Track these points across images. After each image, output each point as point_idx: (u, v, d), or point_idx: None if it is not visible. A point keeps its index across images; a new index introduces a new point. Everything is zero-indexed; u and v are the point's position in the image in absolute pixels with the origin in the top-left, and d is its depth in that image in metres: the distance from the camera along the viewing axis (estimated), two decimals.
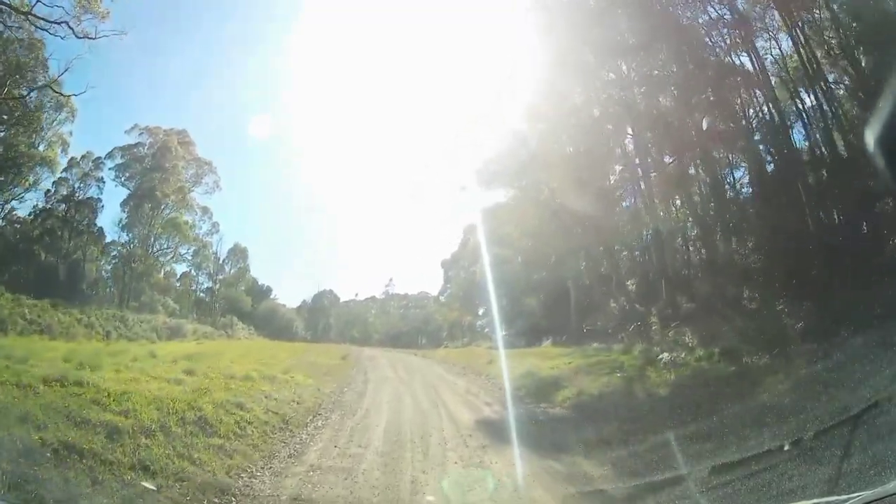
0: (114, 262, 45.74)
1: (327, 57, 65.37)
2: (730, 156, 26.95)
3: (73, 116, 38.25)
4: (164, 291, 47.23)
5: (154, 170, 45.97)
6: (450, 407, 12.55)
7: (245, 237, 78.62)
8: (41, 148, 38.21)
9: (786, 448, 6.21)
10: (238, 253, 55.69)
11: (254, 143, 71.95)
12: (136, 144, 47.48)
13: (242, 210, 75.88)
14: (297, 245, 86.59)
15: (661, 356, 15.31)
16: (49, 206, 44.47)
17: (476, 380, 18.54)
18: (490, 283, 40.20)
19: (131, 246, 43.86)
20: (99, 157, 46.27)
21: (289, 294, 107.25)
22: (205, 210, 52.12)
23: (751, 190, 26.17)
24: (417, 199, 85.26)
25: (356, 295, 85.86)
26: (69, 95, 30.58)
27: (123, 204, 44.71)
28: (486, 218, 50.25)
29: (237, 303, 55.40)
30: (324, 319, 76.20)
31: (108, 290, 45.63)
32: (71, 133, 39.70)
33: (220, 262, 55.28)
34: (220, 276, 55.90)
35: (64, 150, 39.89)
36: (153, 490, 5.90)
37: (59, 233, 44.53)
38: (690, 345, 17.42)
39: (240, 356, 19.33)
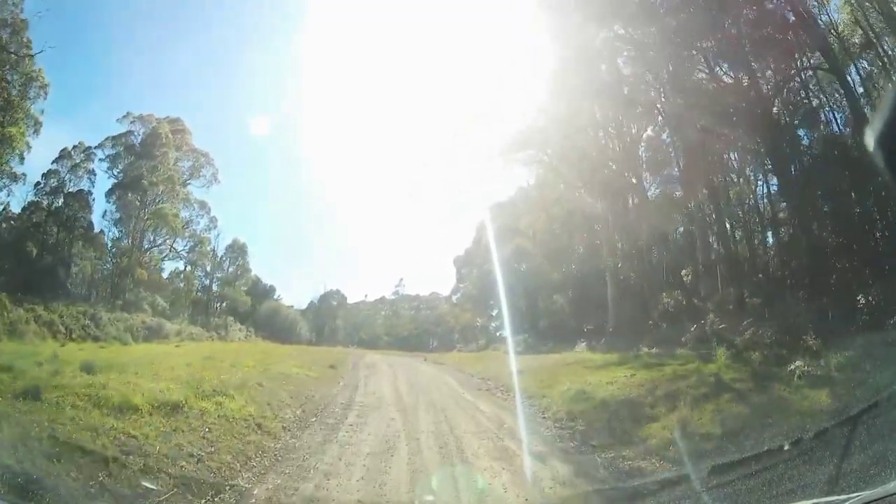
0: (96, 257, 41.02)
1: (333, 51, 60.62)
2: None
3: (44, 93, 33.64)
4: (155, 289, 42.44)
5: (142, 157, 41.30)
6: (477, 462, 7.28)
7: (249, 236, 73.94)
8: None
9: None
10: (237, 249, 50.74)
11: (258, 140, 67.29)
12: (127, 133, 42.87)
13: (247, 209, 71.20)
14: (304, 245, 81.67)
15: (794, 366, 9.72)
16: (38, 199, 40.15)
17: (505, 401, 12.98)
18: (499, 280, 34.86)
19: (119, 240, 39.15)
20: (89, 147, 41.81)
21: (296, 296, 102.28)
22: (202, 204, 47.22)
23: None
24: (428, 196, 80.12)
25: (365, 296, 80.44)
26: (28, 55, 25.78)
27: (108, 194, 40.07)
28: (502, 211, 44.95)
29: (236, 302, 50.49)
30: (330, 321, 71.09)
31: (99, 287, 41.02)
32: (43, 112, 35.12)
33: (219, 259, 50.64)
34: (219, 275, 51.21)
35: (36, 131, 35.34)
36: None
37: (45, 227, 40.07)
38: (813, 347, 11.83)
39: (188, 363, 14.19)
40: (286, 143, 71.35)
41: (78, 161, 41.36)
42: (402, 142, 74.17)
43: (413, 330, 75.50)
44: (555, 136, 27.48)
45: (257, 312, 56.84)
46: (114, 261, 36.92)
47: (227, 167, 70.79)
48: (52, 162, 40.24)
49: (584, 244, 35.79)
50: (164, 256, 46.43)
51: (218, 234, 48.58)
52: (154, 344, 29.34)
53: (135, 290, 38.55)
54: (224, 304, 48.19)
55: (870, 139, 1.94)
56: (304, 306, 70.97)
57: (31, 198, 39.10)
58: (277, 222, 76.20)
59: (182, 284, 45.19)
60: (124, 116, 42.96)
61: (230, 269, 51.26)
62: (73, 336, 27.90)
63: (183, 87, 59.51)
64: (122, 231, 38.57)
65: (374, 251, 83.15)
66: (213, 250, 49.50)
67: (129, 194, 39.45)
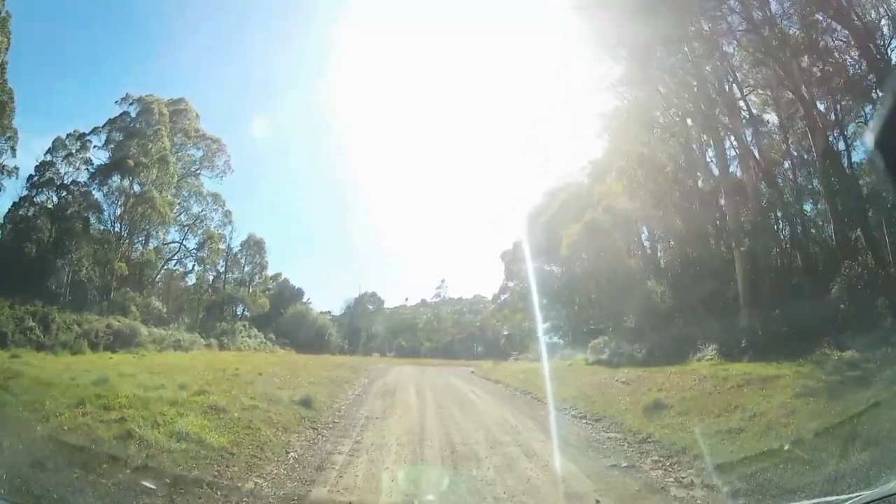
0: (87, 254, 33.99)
1: (368, 42, 53.24)
2: None
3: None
4: (150, 290, 35.23)
5: (132, 136, 34.25)
6: None
7: (278, 237, 66.50)
8: None
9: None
10: (253, 246, 42.97)
11: (286, 135, 60.39)
12: (123, 115, 36.03)
13: (275, 208, 64.20)
14: (338, 247, 73.83)
15: None
16: (29, 193, 33.69)
17: None
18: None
19: (105, 230, 31.92)
20: (84, 134, 35.18)
21: (330, 302, 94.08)
22: (216, 197, 40.01)
23: None
24: (472, 189, 71.04)
25: (406, 300, 71.73)
26: None
27: (91, 179, 33.10)
28: (566, 189, 35.23)
29: (254, 306, 42.80)
30: (366, 327, 62.63)
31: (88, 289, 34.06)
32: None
33: (235, 256, 43.13)
34: (237, 275, 43.72)
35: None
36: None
37: (34, 222, 33.52)
38: None
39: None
40: (316, 137, 64.22)
41: (73, 150, 34.90)
42: (443, 129, 65.53)
43: (456, 335, 66.17)
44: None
45: (281, 318, 49.09)
46: (94, 256, 29.61)
47: (252, 163, 64.24)
48: (46, 152, 33.84)
49: (685, 215, 25.48)
50: (172, 256, 39.48)
51: (232, 231, 41.27)
52: (117, 355, 21.38)
53: (121, 290, 31.19)
54: (240, 309, 40.48)
55: (870, 139, 1.93)
56: (339, 313, 63.44)
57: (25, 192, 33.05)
58: (309, 222, 68.99)
59: (181, 284, 37.92)
60: (123, 98, 36.04)
61: (246, 269, 43.70)
62: (8, 343, 20.38)
63: (198, 73, 53.06)
64: (103, 220, 31.30)
65: (414, 252, 74.05)
66: (228, 248, 42.15)
67: (112, 177, 32.32)
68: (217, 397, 8.71)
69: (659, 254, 25.55)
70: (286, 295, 52.14)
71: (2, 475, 4.44)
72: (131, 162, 32.19)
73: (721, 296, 20.42)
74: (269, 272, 54.17)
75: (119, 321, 25.08)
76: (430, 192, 74.98)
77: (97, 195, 32.20)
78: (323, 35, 55.59)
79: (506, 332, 54.05)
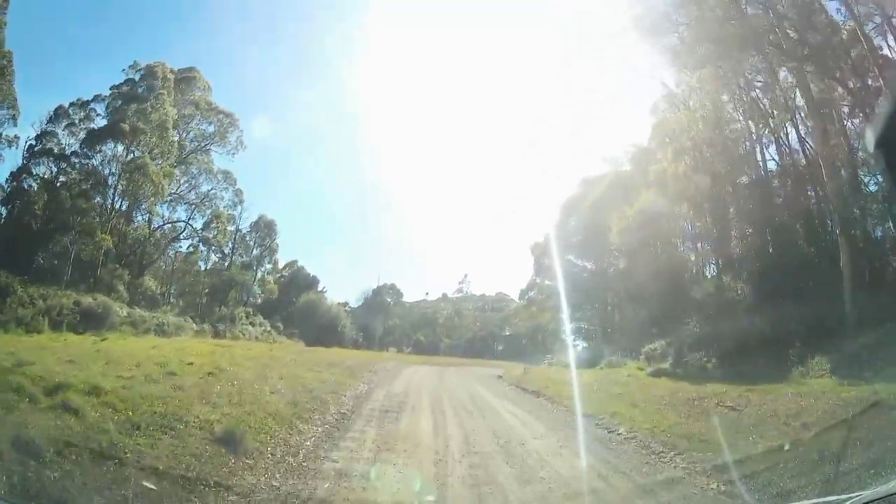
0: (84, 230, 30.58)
1: (406, 28, 49.08)
2: None
3: None
4: (147, 269, 31.83)
5: (131, 101, 30.75)
6: None
7: (295, 226, 62.85)
8: None
9: None
10: (263, 228, 39.24)
11: (309, 122, 56.84)
12: (127, 81, 32.58)
13: (293, 195, 60.85)
14: (358, 238, 70.29)
15: None
16: (27, 163, 30.54)
17: None
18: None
19: (92, 201, 28.48)
20: (87, 102, 31.83)
21: (348, 294, 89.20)
22: (226, 175, 36.44)
23: None
24: (499, 180, 66.35)
25: (426, 294, 67.45)
26: None
27: (83, 145, 29.68)
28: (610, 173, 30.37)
29: (260, 291, 39.19)
30: (383, 320, 58.52)
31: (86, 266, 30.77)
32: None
33: (244, 238, 39.51)
34: (245, 259, 40.08)
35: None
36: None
37: (30, 194, 30.39)
38: None
39: None
40: (340, 125, 60.49)
41: (76, 119, 31.62)
42: (471, 116, 61.00)
43: (477, 332, 61.68)
44: None
45: (293, 306, 45.35)
46: (76, 228, 26.08)
47: (273, 149, 60.85)
48: (48, 122, 30.59)
49: (760, 199, 20.38)
50: (178, 235, 36.01)
51: (242, 211, 37.61)
52: (80, 337, 17.60)
53: (109, 268, 27.69)
54: (244, 294, 36.76)
55: (870, 139, 1.94)
56: (357, 305, 59.59)
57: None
58: (330, 212, 65.29)
59: (186, 266, 34.43)
60: (131, 66, 32.74)
61: (255, 252, 40.01)
62: None
63: (219, 47, 49.80)
64: (96, 191, 27.77)
65: (436, 246, 70.24)
66: (237, 229, 38.53)
67: (106, 143, 28.81)
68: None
69: (732, 243, 20.50)
70: (300, 282, 48.31)
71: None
72: (126, 126, 28.64)
73: (820, 294, 15.52)
74: (285, 260, 50.65)
75: (94, 298, 21.39)
76: (455, 182, 70.66)
77: (93, 164, 28.91)
78: (359, 18, 51.89)
79: (529, 332, 49.42)
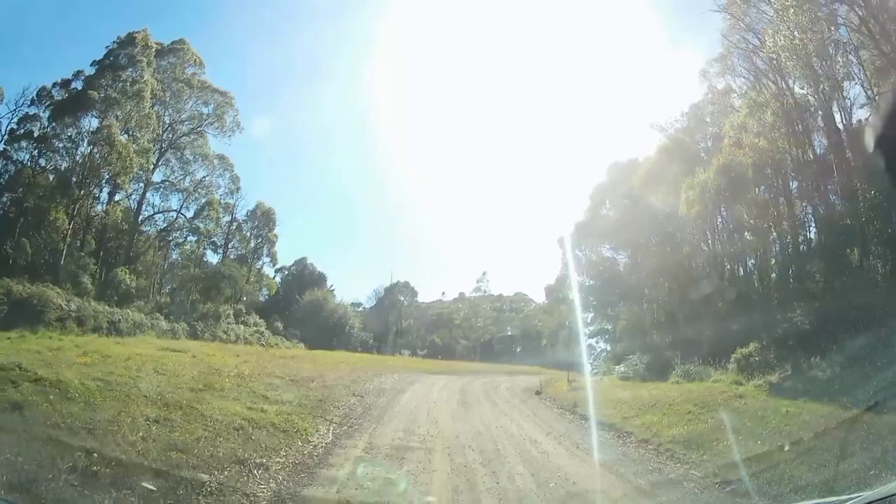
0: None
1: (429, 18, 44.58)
2: None
3: None
4: (133, 261, 27.58)
5: (106, 70, 26.62)
6: None
7: (304, 221, 58.34)
8: None
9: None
10: (260, 217, 34.77)
11: (320, 113, 52.51)
12: (108, 53, 28.40)
13: (302, 190, 56.58)
14: (371, 236, 65.73)
15: None
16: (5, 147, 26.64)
17: None
18: None
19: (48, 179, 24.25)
20: (69, 81, 27.72)
21: (359, 294, 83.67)
22: (222, 159, 32.25)
23: None
24: (520, 174, 61.13)
25: (443, 294, 62.49)
26: None
27: (51, 119, 25.54)
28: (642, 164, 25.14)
29: (256, 287, 34.73)
30: (396, 320, 53.75)
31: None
32: None
33: (239, 228, 35.12)
34: (242, 251, 35.67)
35: None
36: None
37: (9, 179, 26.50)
38: None
39: None
40: (353, 115, 56.19)
41: (59, 98, 27.65)
42: (493, 98, 56.00)
43: (496, 333, 56.56)
44: None
45: (297, 305, 40.84)
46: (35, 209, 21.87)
47: (284, 141, 56.70)
48: (30, 104, 26.58)
49: None
50: (171, 223, 31.77)
51: (238, 199, 33.30)
52: None
53: (76, 257, 23.48)
54: (236, 290, 32.25)
55: (870, 139, 2.82)
56: (370, 305, 54.98)
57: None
58: (343, 209, 60.79)
59: (168, 258, 30.10)
60: (114, 40, 28.77)
61: (252, 244, 35.59)
62: None
63: (224, 25, 45.87)
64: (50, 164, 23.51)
65: (453, 245, 65.28)
66: (233, 219, 34.21)
67: (73, 115, 24.59)
68: None
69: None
70: (306, 279, 43.65)
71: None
72: (95, 94, 24.49)
73: None
74: (293, 257, 46.37)
75: (28, 289, 17.03)
76: (473, 177, 65.73)
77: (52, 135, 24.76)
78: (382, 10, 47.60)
79: (548, 333, 44.15)
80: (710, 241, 19.94)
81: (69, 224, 21.27)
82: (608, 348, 38.16)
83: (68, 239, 22.98)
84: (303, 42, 46.90)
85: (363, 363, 18.23)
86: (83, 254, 23.67)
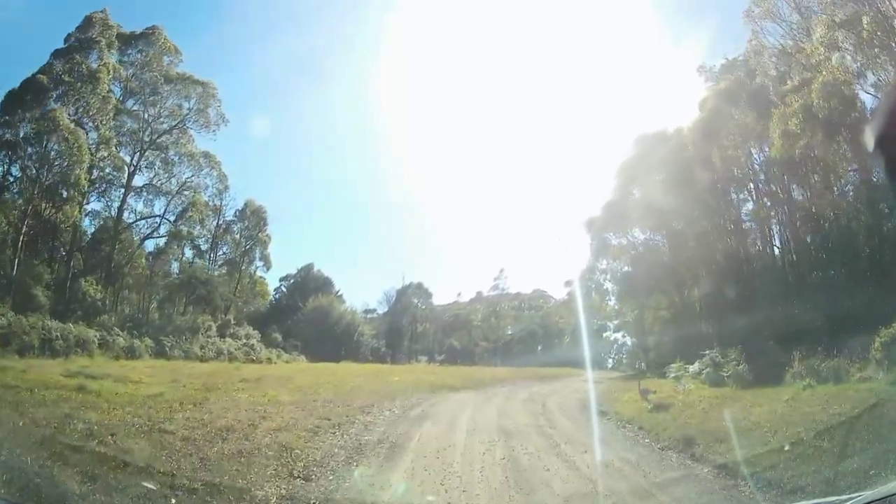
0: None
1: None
2: None
3: None
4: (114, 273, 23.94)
5: (61, 55, 23.11)
6: None
7: (310, 226, 54.29)
8: None
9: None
10: (250, 216, 30.87)
11: (324, 108, 48.86)
12: (67, 37, 25.03)
13: (307, 193, 52.84)
14: (380, 240, 61.68)
15: None
16: None
17: None
18: None
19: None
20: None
21: (370, 301, 77.59)
22: (207, 157, 28.56)
23: None
24: (536, 163, 56.79)
25: (458, 295, 58.07)
26: None
27: (2, 112, 22.03)
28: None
29: (235, 296, 30.67)
30: (409, 325, 49.57)
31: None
32: None
33: (228, 229, 31.30)
34: (231, 255, 31.85)
35: None
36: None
37: None
38: None
39: None
40: (357, 109, 52.51)
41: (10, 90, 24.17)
42: (509, 78, 51.86)
43: (516, 333, 52.16)
44: None
45: (300, 313, 36.94)
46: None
47: (286, 139, 53.13)
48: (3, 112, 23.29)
49: None
50: (154, 229, 28.13)
51: (227, 199, 29.59)
52: None
53: (27, 266, 19.86)
54: (221, 298, 28.35)
55: (870, 139, 1.86)
56: (383, 311, 50.97)
57: None
58: (352, 210, 56.78)
59: (142, 266, 26.30)
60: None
61: (244, 247, 31.76)
62: None
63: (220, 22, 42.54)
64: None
65: (467, 244, 60.79)
66: (222, 220, 30.45)
67: (25, 104, 21.03)
68: None
69: None
70: (310, 285, 39.66)
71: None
72: (44, 78, 20.96)
73: None
74: (297, 263, 42.64)
75: None
76: (485, 168, 61.47)
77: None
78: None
79: (569, 330, 39.69)
80: (790, 191, 15.35)
81: (8, 228, 17.54)
82: (628, 343, 33.78)
83: (18, 247, 19.26)
84: (303, 42, 43.46)
85: (360, 381, 14.03)
86: (36, 262, 19.96)
